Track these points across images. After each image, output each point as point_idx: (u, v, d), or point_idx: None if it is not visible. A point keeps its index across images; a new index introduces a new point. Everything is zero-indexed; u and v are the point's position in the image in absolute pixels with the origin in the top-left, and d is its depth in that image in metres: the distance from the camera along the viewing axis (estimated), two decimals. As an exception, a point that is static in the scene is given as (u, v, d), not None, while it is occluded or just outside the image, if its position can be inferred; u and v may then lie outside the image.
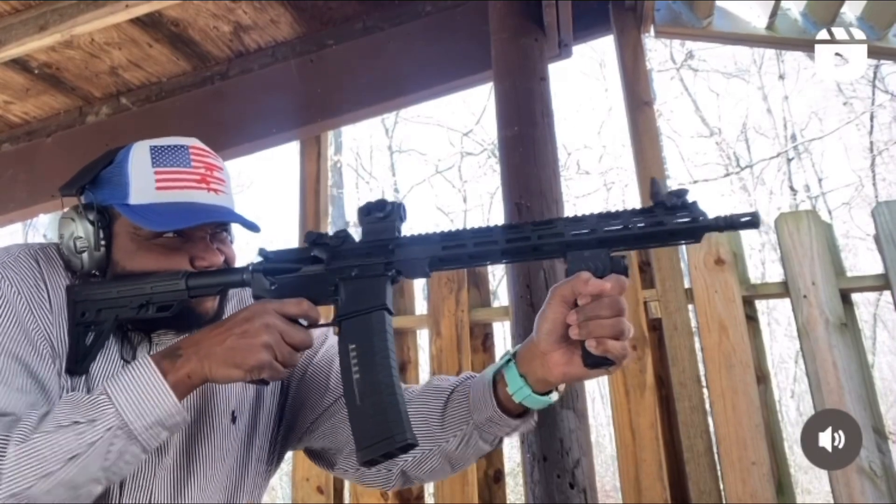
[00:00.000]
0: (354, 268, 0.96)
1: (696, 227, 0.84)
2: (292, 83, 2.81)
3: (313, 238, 0.99)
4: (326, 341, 1.21)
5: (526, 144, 2.14)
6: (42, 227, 10.44)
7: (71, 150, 3.05)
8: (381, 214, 0.96)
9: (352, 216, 11.29)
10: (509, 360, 0.96)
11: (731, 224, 0.82)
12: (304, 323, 0.97)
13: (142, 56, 2.85)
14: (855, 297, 2.18)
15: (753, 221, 0.82)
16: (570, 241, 0.87)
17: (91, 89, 3.04)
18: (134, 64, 2.89)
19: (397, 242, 0.95)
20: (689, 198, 0.84)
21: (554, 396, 0.96)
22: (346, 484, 2.45)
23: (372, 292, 0.95)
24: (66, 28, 2.33)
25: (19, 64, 2.80)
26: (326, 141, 3.08)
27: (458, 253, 0.92)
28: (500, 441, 1.05)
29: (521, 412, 0.98)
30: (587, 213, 0.89)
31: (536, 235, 0.89)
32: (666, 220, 0.84)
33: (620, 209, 0.88)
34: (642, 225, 0.85)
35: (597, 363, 0.86)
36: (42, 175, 3.08)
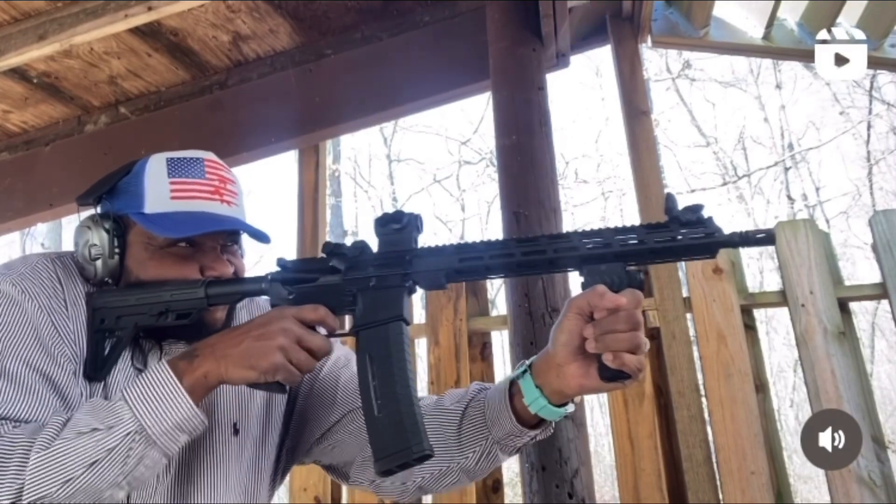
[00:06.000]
0: (372, 278, 0.97)
1: (712, 243, 0.85)
2: (291, 92, 2.82)
3: (331, 248, 1.00)
4: (332, 354, 1.20)
5: (524, 153, 2.14)
6: (40, 236, 10.43)
7: (69, 159, 3.05)
8: (398, 226, 0.97)
9: (350, 225, 11.30)
10: (525, 371, 0.96)
11: (747, 240, 0.84)
12: (322, 330, 0.97)
13: (141, 65, 2.86)
14: (853, 305, 2.18)
15: (769, 238, 0.83)
16: (586, 254, 0.89)
17: (90, 98, 3.04)
18: (133, 73, 2.90)
19: (415, 254, 0.96)
20: (705, 213, 0.86)
21: (570, 408, 0.96)
22: (344, 494, 2.44)
23: (389, 303, 0.96)
24: (66, 37, 2.33)
25: (18, 73, 2.80)
26: (325, 150, 3.09)
27: (475, 265, 0.93)
28: (519, 450, 1.05)
29: (538, 421, 0.99)
30: (600, 227, 0.90)
31: (552, 249, 0.90)
32: (682, 236, 0.85)
33: (634, 224, 0.90)
34: (658, 239, 0.86)
35: (613, 376, 0.87)
36: (40, 184, 3.08)
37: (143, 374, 0.91)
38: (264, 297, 1.04)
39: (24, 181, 3.13)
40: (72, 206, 1.14)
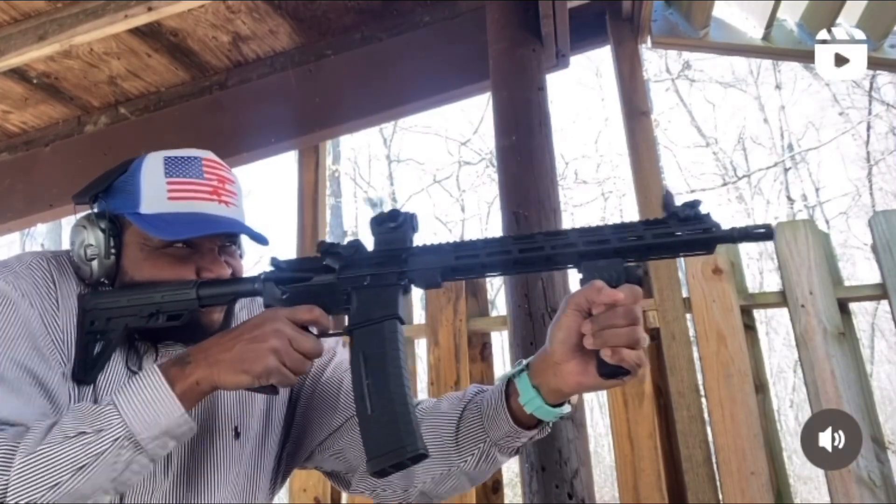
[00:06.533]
0: (367, 277, 0.96)
1: (710, 238, 0.84)
2: (291, 93, 2.82)
3: (326, 247, 0.98)
4: (334, 358, 1.19)
5: (523, 154, 2.14)
6: (40, 236, 10.44)
7: (69, 159, 3.05)
8: (394, 224, 0.96)
9: (350, 226, 11.30)
10: (522, 371, 0.95)
11: (746, 235, 0.83)
12: (316, 331, 0.96)
13: (140, 66, 2.86)
14: (853, 306, 2.18)
15: (767, 233, 0.83)
16: (584, 251, 0.88)
17: (90, 99, 3.04)
18: (132, 74, 2.90)
19: (410, 252, 0.95)
20: (702, 209, 0.85)
21: (566, 409, 0.95)
22: (344, 495, 2.44)
23: (384, 301, 0.95)
24: (66, 38, 2.33)
25: (18, 73, 2.80)
26: (324, 150, 3.09)
27: (471, 263, 0.92)
28: (518, 451, 1.04)
29: (536, 422, 0.97)
30: (599, 223, 0.90)
31: (550, 245, 0.89)
32: (680, 231, 0.85)
33: (633, 220, 0.89)
34: (656, 235, 0.86)
35: (612, 373, 0.86)
36: (40, 185, 3.08)
37: (134, 379, 0.90)
38: None
39: (24, 181, 3.13)
40: (71, 207, 1.12)
